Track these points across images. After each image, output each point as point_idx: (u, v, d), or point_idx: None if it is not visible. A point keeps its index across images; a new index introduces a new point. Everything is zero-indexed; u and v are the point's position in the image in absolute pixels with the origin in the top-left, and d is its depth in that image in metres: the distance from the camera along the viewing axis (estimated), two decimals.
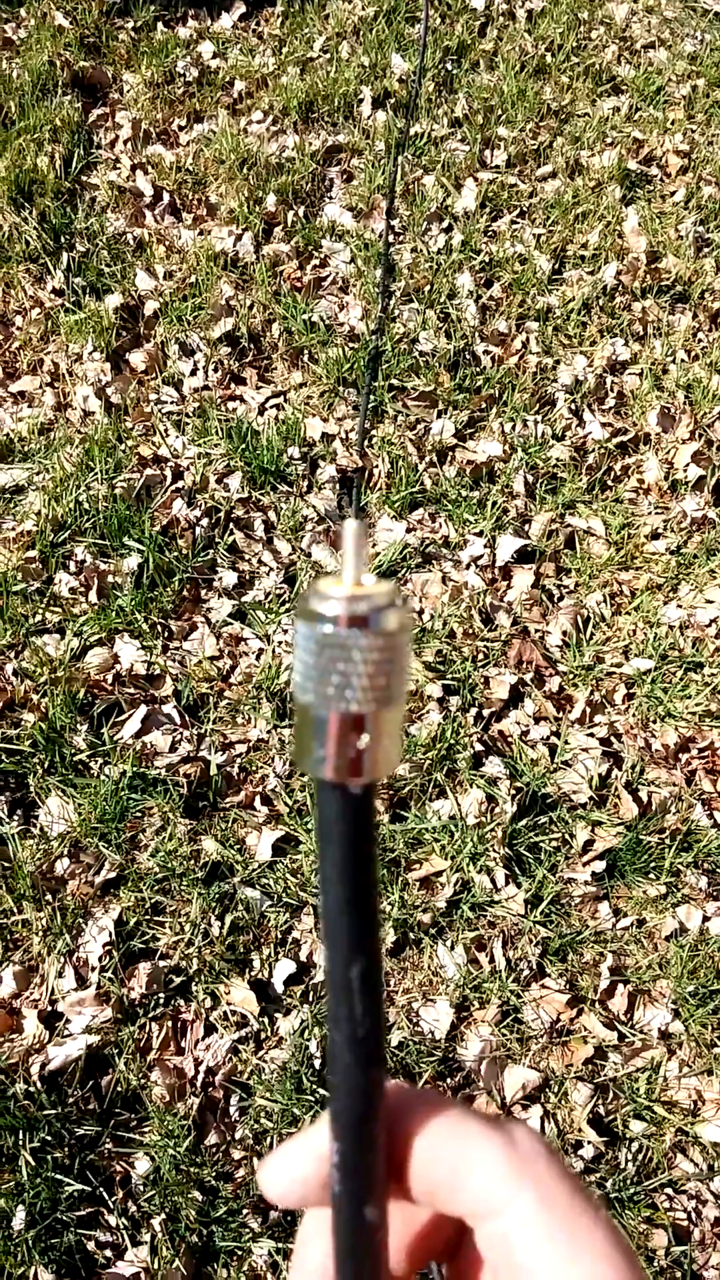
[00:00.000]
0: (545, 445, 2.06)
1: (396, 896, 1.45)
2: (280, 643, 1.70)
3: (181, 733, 1.58)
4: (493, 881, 1.48)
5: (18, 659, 1.62)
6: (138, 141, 2.54)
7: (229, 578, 1.78)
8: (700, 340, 2.32)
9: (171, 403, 2.05)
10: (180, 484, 1.91)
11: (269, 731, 1.59)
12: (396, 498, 1.92)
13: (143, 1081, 1.26)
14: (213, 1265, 1.17)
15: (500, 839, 1.51)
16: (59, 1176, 1.18)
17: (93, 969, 1.34)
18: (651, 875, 1.53)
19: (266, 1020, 1.33)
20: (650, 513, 2.01)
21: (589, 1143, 1.30)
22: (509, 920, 1.46)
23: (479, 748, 1.61)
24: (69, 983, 1.33)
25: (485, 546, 1.89)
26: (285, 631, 1.71)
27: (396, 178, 2.50)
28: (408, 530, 1.90)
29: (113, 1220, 1.18)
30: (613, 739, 1.69)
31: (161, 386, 2.07)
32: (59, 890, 1.40)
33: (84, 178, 2.44)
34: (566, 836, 1.56)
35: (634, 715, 1.72)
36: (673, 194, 2.64)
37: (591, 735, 1.68)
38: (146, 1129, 1.24)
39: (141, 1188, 1.20)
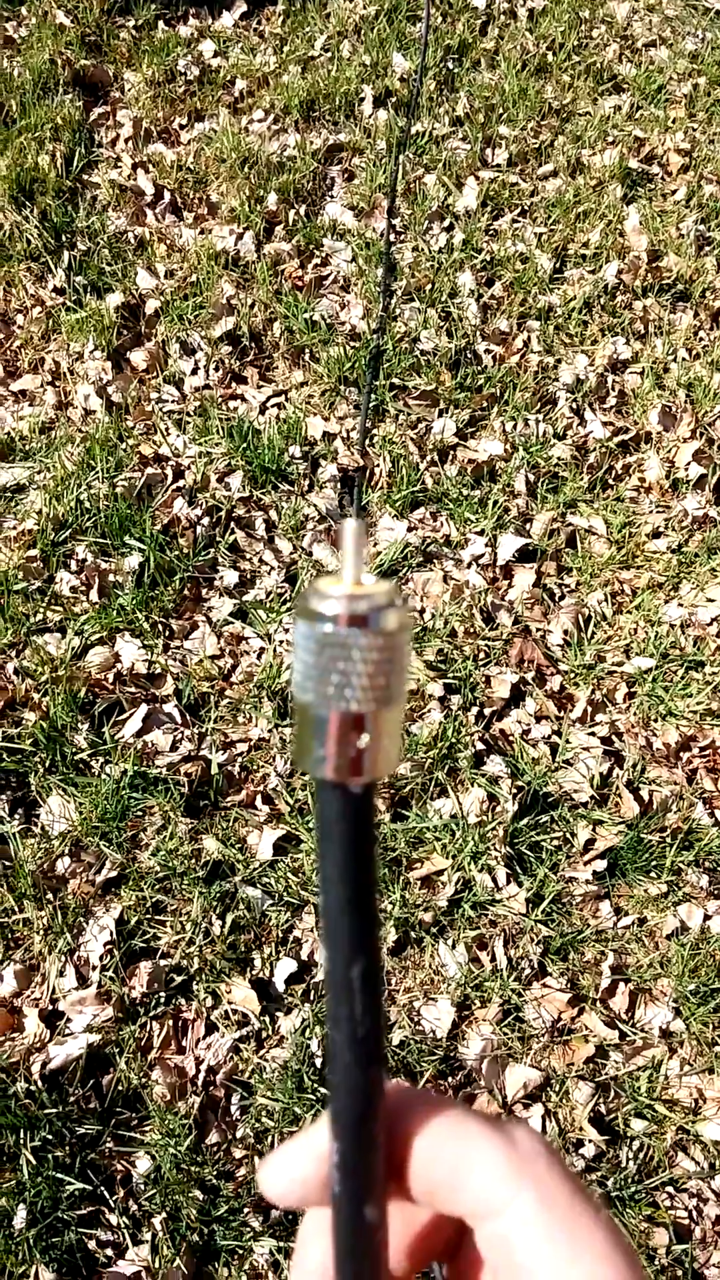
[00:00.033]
0: (546, 444, 2.06)
1: (398, 895, 1.45)
2: (281, 642, 1.70)
3: (182, 732, 1.58)
4: (494, 880, 1.48)
5: (19, 658, 1.62)
6: (139, 140, 2.54)
7: (230, 577, 1.78)
8: (701, 339, 2.32)
9: (172, 401, 2.05)
10: (181, 483, 1.90)
11: (270, 731, 1.59)
12: (398, 497, 1.92)
13: (144, 1080, 1.27)
14: (214, 1264, 1.17)
15: (501, 838, 1.51)
16: (60, 1175, 1.18)
17: (94, 968, 1.34)
18: (653, 874, 1.53)
19: (267, 1019, 1.33)
20: (651, 511, 2.01)
21: (590, 1141, 1.30)
22: (510, 919, 1.46)
23: (480, 746, 1.61)
24: (70, 982, 1.33)
25: (486, 545, 1.89)
26: (286, 631, 1.71)
27: (398, 176, 2.49)
28: (409, 529, 1.90)
29: (113, 1219, 1.18)
30: (614, 738, 1.68)
31: (162, 385, 2.07)
32: (60, 889, 1.40)
33: (85, 176, 2.44)
34: (568, 835, 1.56)
35: (635, 714, 1.72)
36: (674, 192, 2.64)
37: (593, 734, 1.68)
38: (147, 1128, 1.24)
39: (142, 1187, 1.20)
